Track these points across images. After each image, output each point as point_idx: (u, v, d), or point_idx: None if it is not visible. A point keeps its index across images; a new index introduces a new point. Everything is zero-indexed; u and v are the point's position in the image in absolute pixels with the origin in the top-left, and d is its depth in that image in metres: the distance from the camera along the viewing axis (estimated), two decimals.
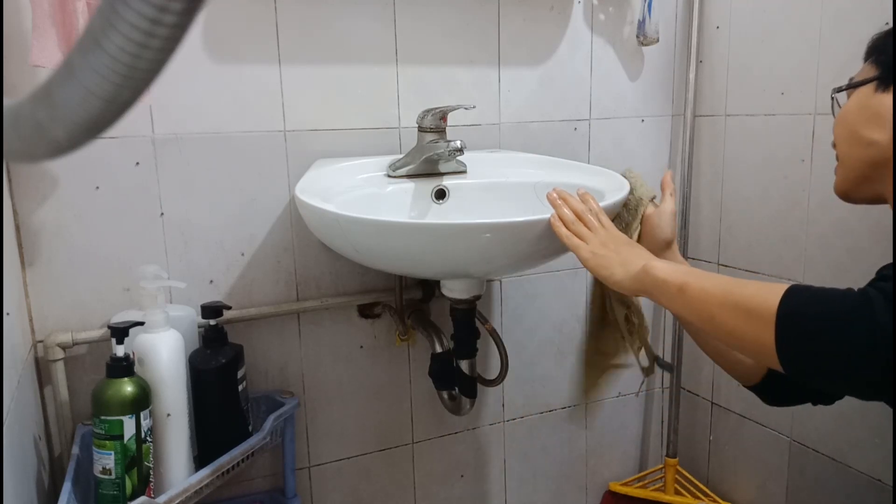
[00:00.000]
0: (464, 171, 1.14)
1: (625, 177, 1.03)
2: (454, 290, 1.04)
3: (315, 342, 1.19)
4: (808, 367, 0.62)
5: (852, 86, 0.79)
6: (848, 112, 0.79)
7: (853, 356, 0.59)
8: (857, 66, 0.81)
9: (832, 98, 0.83)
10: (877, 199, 0.79)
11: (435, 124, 1.09)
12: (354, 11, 1.13)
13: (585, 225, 0.85)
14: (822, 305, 0.61)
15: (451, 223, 0.86)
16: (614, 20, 1.34)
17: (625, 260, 0.81)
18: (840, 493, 1.21)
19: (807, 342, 0.61)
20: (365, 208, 1.03)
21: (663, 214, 0.97)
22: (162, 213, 1.06)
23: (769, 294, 0.64)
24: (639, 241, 0.99)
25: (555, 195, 0.88)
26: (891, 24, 0.80)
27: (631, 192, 1.00)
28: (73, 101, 0.37)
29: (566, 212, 0.86)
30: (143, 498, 0.83)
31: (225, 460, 0.93)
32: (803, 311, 0.62)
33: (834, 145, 0.82)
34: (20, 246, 0.98)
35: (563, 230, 0.84)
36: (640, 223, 0.99)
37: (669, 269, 0.76)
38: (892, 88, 0.73)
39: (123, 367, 0.85)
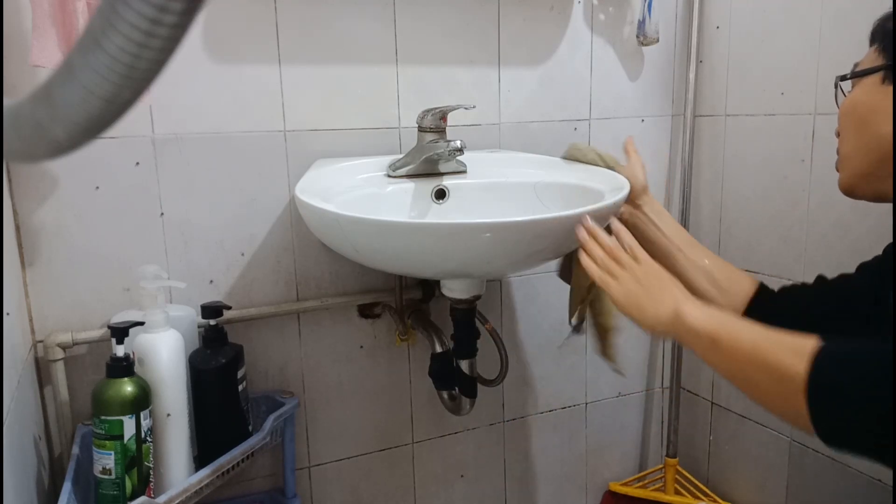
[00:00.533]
0: (464, 171, 1.14)
1: (573, 153, 1.12)
2: (454, 290, 1.04)
3: (315, 342, 1.19)
4: (846, 441, 0.61)
5: (857, 75, 0.75)
6: (855, 103, 0.75)
7: (888, 427, 0.57)
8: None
9: (836, 86, 0.80)
10: (881, 197, 0.76)
11: (435, 124, 1.09)
12: (354, 11, 1.13)
13: (617, 261, 0.82)
14: (853, 375, 0.59)
15: (451, 223, 0.86)
16: (614, 20, 1.34)
17: (656, 300, 0.78)
18: (840, 493, 1.21)
19: (842, 419, 0.60)
20: (365, 208, 1.03)
21: (634, 165, 1.04)
22: (162, 213, 1.06)
23: (797, 357, 0.62)
24: None
25: (584, 234, 0.84)
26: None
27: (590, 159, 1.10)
28: (73, 101, 0.37)
29: (595, 250, 0.83)
30: (143, 498, 0.83)
31: (225, 460, 0.93)
32: (834, 384, 0.60)
33: (837, 134, 0.79)
34: (20, 246, 0.98)
35: (594, 269, 0.82)
36: None
37: (702, 318, 0.73)
38: None
39: (123, 367, 0.85)
